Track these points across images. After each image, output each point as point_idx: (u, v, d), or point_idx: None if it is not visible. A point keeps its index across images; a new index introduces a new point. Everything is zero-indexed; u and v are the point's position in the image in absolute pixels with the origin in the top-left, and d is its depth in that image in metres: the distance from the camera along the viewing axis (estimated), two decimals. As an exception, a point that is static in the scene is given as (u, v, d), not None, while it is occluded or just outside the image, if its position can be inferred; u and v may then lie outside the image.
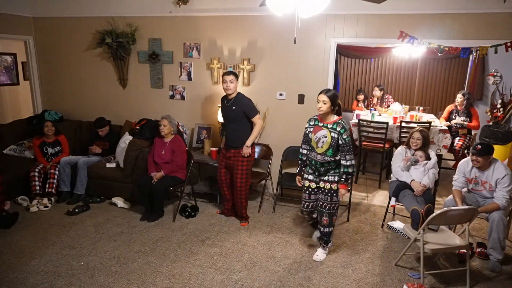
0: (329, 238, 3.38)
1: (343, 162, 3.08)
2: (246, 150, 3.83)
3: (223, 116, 3.98)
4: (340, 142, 3.04)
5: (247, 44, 4.63)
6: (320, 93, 3.09)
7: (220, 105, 4.10)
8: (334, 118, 3.13)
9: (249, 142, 3.83)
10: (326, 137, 3.07)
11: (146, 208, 4.19)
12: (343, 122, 3.07)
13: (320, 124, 3.15)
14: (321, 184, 3.22)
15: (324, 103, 3.06)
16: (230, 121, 3.88)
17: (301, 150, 3.40)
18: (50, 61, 5.54)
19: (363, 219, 4.27)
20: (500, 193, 3.30)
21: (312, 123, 3.24)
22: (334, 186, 3.17)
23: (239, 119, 3.83)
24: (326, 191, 3.19)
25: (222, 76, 3.77)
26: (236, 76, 3.81)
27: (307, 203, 3.35)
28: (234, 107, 3.80)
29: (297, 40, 4.28)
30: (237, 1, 4.49)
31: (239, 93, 3.87)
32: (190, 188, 4.52)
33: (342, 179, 3.12)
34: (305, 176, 3.35)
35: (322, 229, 3.34)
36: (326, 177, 3.18)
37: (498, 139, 5.27)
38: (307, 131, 3.25)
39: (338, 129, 3.04)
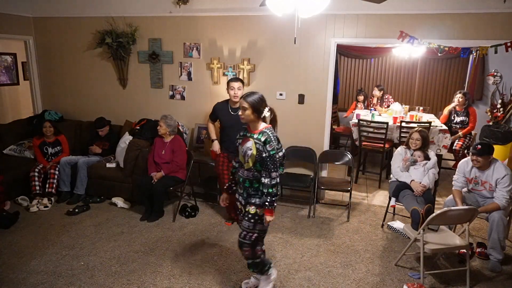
0: (263, 268, 2.78)
1: (264, 180, 2.53)
2: None
3: (226, 125, 3.80)
4: (263, 155, 2.52)
5: (247, 44, 4.63)
6: (240, 98, 2.68)
7: (217, 114, 3.89)
8: (261, 127, 2.62)
9: None
10: (251, 149, 2.56)
11: (146, 208, 4.19)
12: (270, 131, 2.58)
13: (248, 135, 2.66)
14: (247, 207, 2.66)
15: (245, 109, 2.58)
16: (239, 129, 3.22)
17: (233, 163, 2.92)
18: (50, 61, 5.54)
19: (363, 219, 4.27)
20: (500, 193, 3.30)
21: (242, 133, 2.75)
22: (260, 210, 2.60)
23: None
24: (250, 216, 2.62)
25: (229, 82, 3.63)
26: (243, 82, 3.71)
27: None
28: None
29: (297, 40, 4.27)
30: (237, 1, 4.49)
31: None
32: (190, 188, 4.52)
33: (266, 203, 2.54)
34: (237, 196, 2.81)
35: (248, 261, 2.75)
36: (253, 199, 2.63)
37: (498, 139, 5.27)
38: (237, 143, 2.77)
39: (262, 139, 2.53)
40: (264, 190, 2.56)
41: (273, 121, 2.72)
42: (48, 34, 5.44)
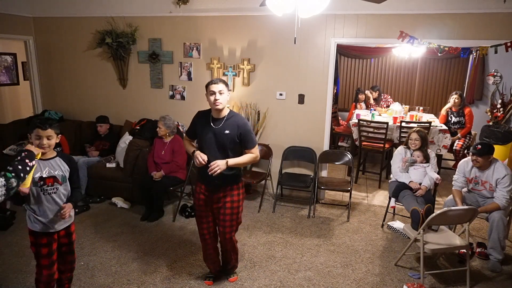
0: None
1: None
2: (221, 163, 2.59)
3: (205, 143, 2.75)
4: None
5: (247, 44, 4.63)
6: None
7: (197, 125, 2.87)
8: None
9: (232, 162, 2.66)
10: None
11: (146, 208, 4.19)
12: None
13: None
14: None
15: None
16: (219, 150, 2.70)
17: None
18: (50, 61, 5.54)
19: (363, 219, 4.27)
20: (500, 193, 3.30)
21: None
22: None
23: (232, 146, 2.71)
24: None
25: (207, 86, 2.69)
26: (227, 85, 2.73)
27: None
28: (227, 131, 2.68)
29: (297, 40, 4.28)
30: (237, 1, 4.49)
31: (231, 111, 2.79)
32: (190, 188, 4.52)
33: None
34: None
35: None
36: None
37: (498, 139, 5.27)
38: None
39: None
40: None
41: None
42: (48, 34, 5.44)
